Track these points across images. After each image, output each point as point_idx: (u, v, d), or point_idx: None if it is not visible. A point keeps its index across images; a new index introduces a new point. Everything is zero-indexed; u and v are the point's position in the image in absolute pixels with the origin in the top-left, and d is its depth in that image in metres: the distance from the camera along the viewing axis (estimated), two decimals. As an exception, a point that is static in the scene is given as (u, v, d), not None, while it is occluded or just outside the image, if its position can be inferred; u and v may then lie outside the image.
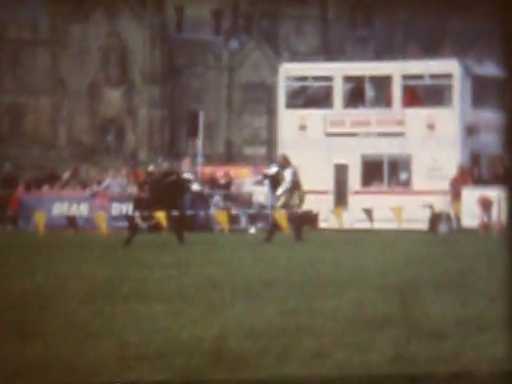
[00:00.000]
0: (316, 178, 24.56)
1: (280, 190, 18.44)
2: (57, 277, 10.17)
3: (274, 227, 18.71)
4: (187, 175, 17.74)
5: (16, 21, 73.47)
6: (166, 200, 16.05)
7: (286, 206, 18.20)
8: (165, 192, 16.07)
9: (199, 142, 30.72)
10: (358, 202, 24.82)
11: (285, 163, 18.73)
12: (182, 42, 77.58)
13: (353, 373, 4.70)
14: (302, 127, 26.16)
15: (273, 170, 20.32)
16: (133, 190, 25.98)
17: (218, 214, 24.65)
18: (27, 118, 75.40)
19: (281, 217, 18.38)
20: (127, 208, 24.67)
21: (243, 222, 25.84)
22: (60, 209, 25.05)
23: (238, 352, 5.40)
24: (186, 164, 25.49)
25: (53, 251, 14.25)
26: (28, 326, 6.50)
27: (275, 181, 19.64)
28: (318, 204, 24.33)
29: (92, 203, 25.24)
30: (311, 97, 27.27)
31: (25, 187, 26.66)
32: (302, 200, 18.43)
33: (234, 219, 25.83)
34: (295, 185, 18.21)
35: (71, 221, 24.20)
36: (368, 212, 23.91)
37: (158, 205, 16.35)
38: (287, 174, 18.28)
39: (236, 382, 4.57)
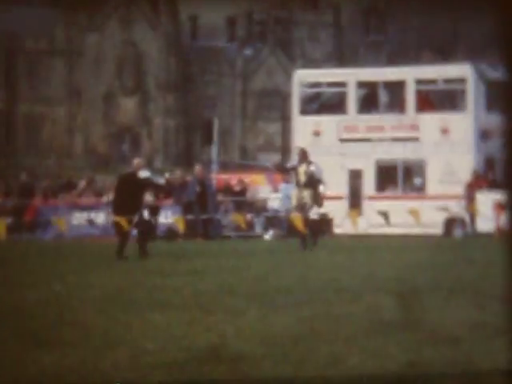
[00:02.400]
0: (330, 184, 24.59)
1: (293, 189, 17.38)
2: (73, 285, 10.18)
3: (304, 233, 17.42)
4: (144, 173, 16.53)
5: (32, 32, 73.85)
6: (127, 203, 14.90)
7: (299, 206, 16.86)
8: (125, 195, 15.30)
9: (214, 149, 30.83)
10: (372, 207, 24.85)
11: (303, 157, 17.26)
12: (197, 49, 77.70)
13: (353, 373, 4.71)
14: (316, 133, 26.20)
15: (291, 163, 18.63)
16: (148, 197, 25.98)
17: (235, 216, 24.80)
18: (44, 127, 75.72)
19: (296, 220, 17.25)
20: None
21: (258, 228, 25.89)
22: (77, 217, 25.18)
23: (254, 359, 5.42)
24: (198, 171, 25.48)
25: (69, 260, 14.27)
26: (45, 334, 6.52)
27: (293, 175, 18.05)
28: (333, 209, 24.37)
29: (108, 211, 25.32)
30: (325, 103, 27.30)
31: (42, 196, 26.79)
32: (315, 200, 16.97)
33: (249, 225, 25.90)
34: (309, 182, 16.80)
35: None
36: (384, 215, 23.94)
37: (119, 210, 15.41)
38: (301, 170, 16.88)
39: (236, 381, 4.60)
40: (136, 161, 16.34)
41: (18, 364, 5.46)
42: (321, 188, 17.01)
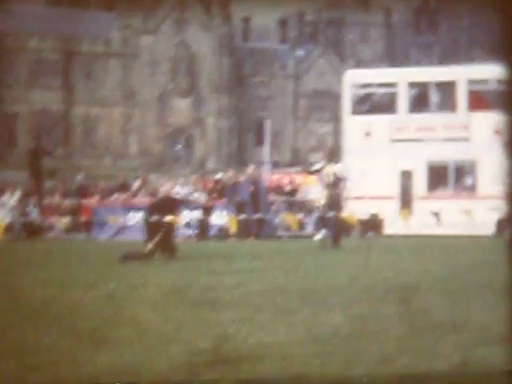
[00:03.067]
0: (381, 184, 24.73)
1: (317, 189, 16.72)
2: (128, 284, 10.25)
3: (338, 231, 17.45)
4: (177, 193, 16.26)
5: (89, 35, 74.95)
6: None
7: (330, 205, 16.22)
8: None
9: (266, 150, 31.06)
10: (423, 207, 24.84)
11: (329, 156, 16.62)
12: (249, 51, 78.04)
13: (352, 373, 4.81)
14: (367, 133, 26.18)
15: (318, 165, 17.26)
16: (201, 197, 26.26)
17: (287, 216, 24.94)
18: (99, 128, 76.66)
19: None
20: (197, 216, 25.01)
21: (309, 228, 25.98)
22: (132, 217, 25.50)
23: (305, 358, 5.49)
24: (251, 171, 25.69)
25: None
26: (101, 333, 6.62)
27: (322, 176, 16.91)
28: (384, 210, 24.48)
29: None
30: (376, 103, 27.24)
31: (97, 197, 27.23)
32: (331, 201, 16.36)
33: (299, 226, 26.05)
34: (332, 183, 16.20)
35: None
36: (435, 215, 23.91)
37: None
38: (329, 170, 16.29)
39: (236, 381, 4.64)
40: (165, 188, 16.12)
41: (74, 363, 5.58)
42: (344, 186, 16.51)
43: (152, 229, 14.61)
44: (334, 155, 16.76)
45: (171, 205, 15.10)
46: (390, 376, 4.75)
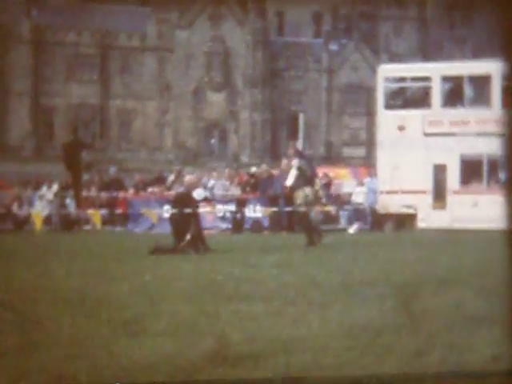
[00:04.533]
0: (415, 178, 24.70)
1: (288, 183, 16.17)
2: (162, 277, 10.30)
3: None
4: (199, 194, 16.12)
5: (125, 29, 75.38)
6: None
7: (305, 203, 15.78)
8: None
9: (300, 144, 31.07)
10: (456, 201, 24.77)
11: (295, 154, 16.26)
12: (283, 45, 78.01)
13: (353, 373, 4.83)
14: (401, 128, 26.09)
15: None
16: (236, 191, 26.39)
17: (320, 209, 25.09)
18: (135, 122, 77.08)
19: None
20: (231, 209, 25.17)
21: (343, 221, 26.05)
22: (167, 211, 25.69)
23: (338, 351, 5.54)
24: (284, 165, 25.76)
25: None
26: (135, 325, 6.69)
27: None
28: (417, 203, 24.48)
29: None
30: (410, 97, 27.14)
31: (133, 189, 27.46)
32: (314, 196, 16.01)
33: (333, 219, 26.12)
34: (303, 179, 15.81)
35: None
36: (469, 209, 23.85)
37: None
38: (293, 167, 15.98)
39: (236, 381, 4.65)
40: (188, 179, 15.97)
41: (110, 354, 5.64)
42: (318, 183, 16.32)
43: (178, 222, 14.59)
44: (297, 153, 16.37)
45: (190, 200, 15.04)
46: (391, 376, 4.78)
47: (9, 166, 51.69)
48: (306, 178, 15.84)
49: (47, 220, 26.02)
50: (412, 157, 25.04)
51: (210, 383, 4.77)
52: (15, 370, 5.23)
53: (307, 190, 15.88)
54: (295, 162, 15.95)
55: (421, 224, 24.70)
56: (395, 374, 4.81)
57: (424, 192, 25.13)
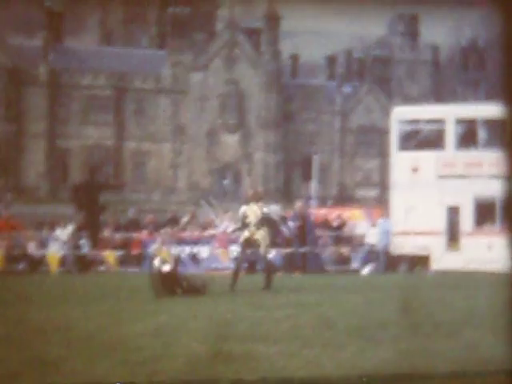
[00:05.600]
0: (428, 220, 24.69)
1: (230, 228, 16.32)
2: (177, 317, 10.34)
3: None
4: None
5: (140, 71, 76.09)
6: None
7: (247, 244, 15.70)
8: None
9: (313, 185, 31.19)
10: (470, 243, 24.71)
11: (253, 199, 16.03)
12: (297, 87, 78.50)
13: (353, 373, 4.84)
14: (415, 169, 26.12)
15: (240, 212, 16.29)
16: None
17: (333, 250, 25.11)
18: (149, 163, 77.44)
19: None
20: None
21: (356, 262, 26.00)
22: (181, 251, 25.74)
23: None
24: (299, 206, 25.83)
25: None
26: (152, 365, 6.70)
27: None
28: (430, 245, 24.46)
29: (212, 245, 25.81)
30: (423, 139, 27.17)
31: (147, 230, 27.53)
32: (263, 239, 15.70)
33: (346, 260, 26.10)
34: (261, 223, 15.57)
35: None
36: (482, 251, 23.78)
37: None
38: (252, 209, 15.73)
39: (236, 381, 4.70)
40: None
41: None
42: (282, 228, 16.33)
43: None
44: (258, 197, 16.13)
45: None
46: (390, 376, 4.80)
47: (24, 207, 51.92)
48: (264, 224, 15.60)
49: (62, 261, 26.12)
50: (425, 198, 25.04)
51: (209, 383, 4.76)
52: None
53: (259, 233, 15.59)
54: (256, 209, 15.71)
55: (434, 265, 24.64)
56: (395, 374, 4.83)
57: (437, 233, 25.09)
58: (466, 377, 4.93)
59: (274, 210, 15.96)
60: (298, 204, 26.00)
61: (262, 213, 15.54)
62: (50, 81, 75.42)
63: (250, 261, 24.99)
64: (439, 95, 74.30)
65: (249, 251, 15.78)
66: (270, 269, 16.00)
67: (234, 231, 16.47)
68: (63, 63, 75.26)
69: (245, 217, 15.65)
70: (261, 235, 15.49)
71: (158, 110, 77.16)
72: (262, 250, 15.64)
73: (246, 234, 15.59)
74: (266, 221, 15.58)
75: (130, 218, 28.75)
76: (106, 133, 76.66)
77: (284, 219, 19.75)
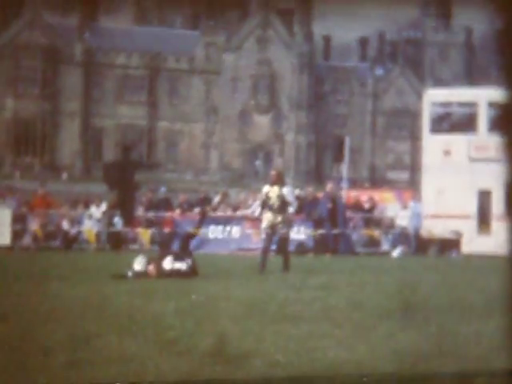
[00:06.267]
0: (459, 203, 24.62)
1: (256, 212, 15.92)
2: (209, 296, 10.35)
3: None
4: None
5: (174, 51, 76.26)
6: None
7: (270, 228, 15.57)
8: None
9: (344, 167, 31.10)
10: (501, 227, 24.61)
11: (276, 181, 15.85)
12: (329, 69, 78.25)
13: (353, 373, 4.83)
14: (446, 152, 26.03)
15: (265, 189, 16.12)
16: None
17: (365, 232, 25.14)
18: (182, 143, 77.71)
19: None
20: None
21: (386, 245, 26.03)
22: (213, 231, 25.89)
23: (382, 375, 5.52)
24: (330, 188, 25.85)
25: (205, 272, 14.51)
26: (183, 343, 6.74)
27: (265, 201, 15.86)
28: (462, 228, 24.40)
29: (243, 226, 25.93)
30: (456, 122, 27.04)
31: (179, 209, 27.71)
32: (286, 223, 15.72)
33: (376, 242, 26.14)
34: (275, 206, 15.50)
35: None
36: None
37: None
38: (273, 193, 15.59)
39: (236, 381, 4.68)
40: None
41: (158, 371, 5.72)
42: (290, 210, 15.71)
43: None
44: (279, 179, 15.88)
45: None
46: (390, 376, 4.78)
47: (58, 185, 52.42)
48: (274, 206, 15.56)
49: (96, 238, 26.42)
50: (457, 181, 24.95)
51: (209, 383, 4.75)
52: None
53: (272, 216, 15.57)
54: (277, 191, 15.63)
55: (465, 249, 24.58)
56: (395, 374, 4.82)
57: (469, 217, 25.01)
58: (468, 377, 4.91)
59: (287, 191, 15.63)
60: (329, 185, 26.03)
61: (281, 195, 15.48)
62: (84, 60, 75.90)
63: (280, 241, 25.13)
64: (472, 78, 73.65)
65: (273, 233, 15.71)
66: (285, 251, 15.93)
67: (257, 213, 16.15)
68: (98, 42, 75.63)
69: (268, 198, 15.64)
70: (282, 218, 15.47)
71: (190, 90, 77.33)
72: (281, 232, 15.65)
73: (268, 216, 15.57)
74: (284, 203, 15.52)
75: (161, 197, 28.90)
76: (140, 112, 77.02)
77: (297, 201, 19.64)
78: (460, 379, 4.79)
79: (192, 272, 13.92)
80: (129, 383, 4.76)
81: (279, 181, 15.80)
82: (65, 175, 70.71)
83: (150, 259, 13.98)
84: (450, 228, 24.72)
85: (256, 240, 25.24)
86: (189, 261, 13.96)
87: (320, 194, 26.49)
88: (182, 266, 13.91)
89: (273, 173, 16.34)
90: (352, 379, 4.75)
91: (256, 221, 25.88)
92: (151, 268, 13.77)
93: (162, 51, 76.00)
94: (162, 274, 13.64)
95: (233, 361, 6.06)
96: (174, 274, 13.64)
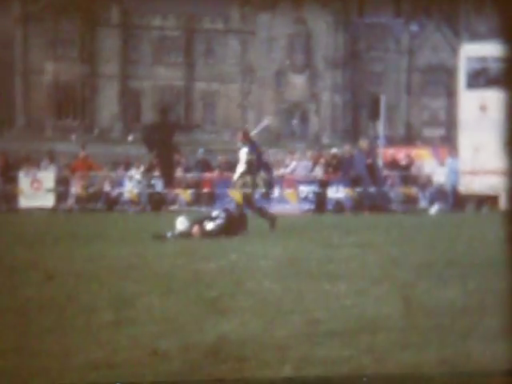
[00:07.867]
0: (497, 159, 24.55)
1: (235, 175, 15.39)
2: (249, 255, 10.44)
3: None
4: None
5: (209, 12, 76.05)
6: None
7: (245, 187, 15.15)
8: None
9: (380, 125, 31.03)
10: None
11: (243, 140, 15.34)
12: (363, 26, 77.51)
13: (353, 373, 4.87)
14: (483, 108, 25.84)
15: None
16: (318, 172, 26.55)
17: (402, 190, 25.15)
18: (218, 104, 77.72)
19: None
20: (313, 190, 25.41)
21: (424, 202, 26.03)
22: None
23: (421, 331, 5.64)
24: (364, 145, 25.78)
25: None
26: (223, 302, 6.81)
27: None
28: (499, 184, 24.32)
29: (281, 185, 26.03)
30: (492, 77, 26.77)
31: (218, 171, 27.88)
32: (266, 184, 15.68)
33: (414, 200, 26.13)
34: (252, 166, 15.18)
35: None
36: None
37: None
38: (242, 154, 15.20)
39: (236, 381, 4.77)
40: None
41: (199, 329, 5.77)
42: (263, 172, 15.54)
43: None
44: (245, 139, 15.38)
45: None
46: (390, 376, 4.86)
47: (98, 148, 52.85)
48: (252, 168, 15.15)
49: (137, 199, 26.72)
50: (494, 137, 24.82)
51: (210, 383, 4.80)
52: (110, 345, 5.38)
53: (248, 178, 15.20)
54: (244, 153, 15.16)
55: (503, 205, 24.48)
56: (395, 374, 4.87)
57: (505, 173, 24.89)
58: (468, 377, 4.92)
59: (242, 152, 15.22)
60: (362, 143, 25.95)
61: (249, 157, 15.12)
62: (121, 22, 75.94)
63: (318, 201, 25.31)
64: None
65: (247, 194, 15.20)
66: (261, 213, 15.53)
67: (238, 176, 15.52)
68: (134, 4, 75.65)
69: (239, 159, 15.36)
70: (250, 178, 15.21)
71: (226, 50, 77.14)
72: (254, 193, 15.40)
73: (239, 177, 15.28)
74: (251, 164, 15.18)
75: (199, 159, 29.10)
76: (177, 73, 77.09)
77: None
78: (461, 379, 4.87)
79: (238, 226, 14.24)
80: (129, 383, 4.74)
81: (246, 141, 15.41)
82: (96, 131, 71.04)
83: (194, 220, 14.26)
84: (487, 184, 24.65)
85: (293, 201, 25.39)
86: (223, 218, 14.17)
87: (356, 152, 26.45)
88: (219, 222, 14.15)
89: (239, 133, 15.98)
90: (352, 379, 4.78)
91: (293, 181, 26.06)
92: (195, 229, 14.03)
93: (197, 12, 75.83)
94: (205, 234, 13.92)
95: (273, 318, 6.11)
96: (215, 233, 13.94)
